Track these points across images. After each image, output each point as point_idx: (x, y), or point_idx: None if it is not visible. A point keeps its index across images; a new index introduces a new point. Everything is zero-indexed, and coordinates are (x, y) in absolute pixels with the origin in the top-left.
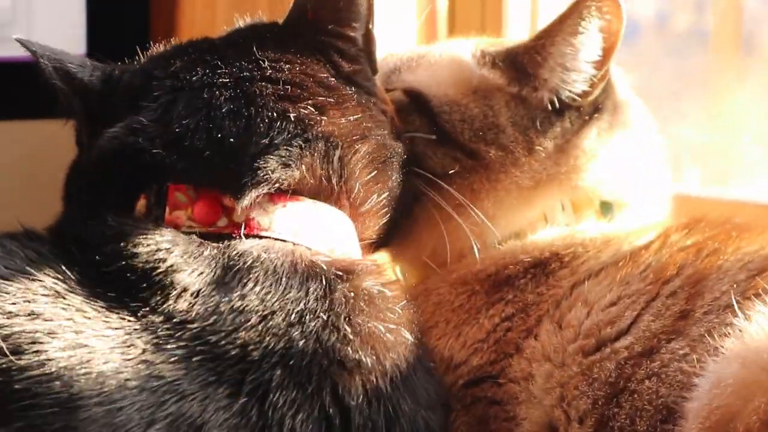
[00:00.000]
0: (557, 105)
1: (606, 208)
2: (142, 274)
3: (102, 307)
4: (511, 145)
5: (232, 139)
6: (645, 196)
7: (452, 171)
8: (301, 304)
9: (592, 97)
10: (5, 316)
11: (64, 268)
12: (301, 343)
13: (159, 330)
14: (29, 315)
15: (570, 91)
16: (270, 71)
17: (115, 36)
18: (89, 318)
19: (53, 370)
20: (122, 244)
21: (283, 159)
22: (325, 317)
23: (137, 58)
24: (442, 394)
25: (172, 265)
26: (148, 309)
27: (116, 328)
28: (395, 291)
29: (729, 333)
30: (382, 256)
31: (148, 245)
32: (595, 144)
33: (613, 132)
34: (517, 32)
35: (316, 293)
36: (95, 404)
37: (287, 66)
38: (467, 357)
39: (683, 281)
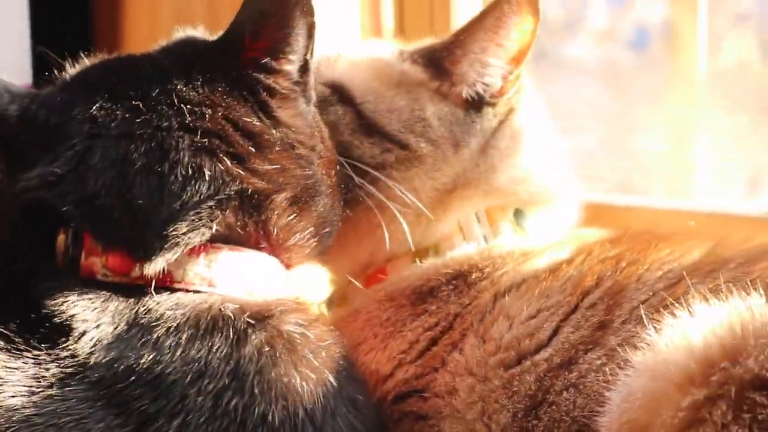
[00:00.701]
0: (475, 100)
1: (519, 215)
2: (51, 324)
3: (17, 348)
4: (440, 140)
5: (141, 201)
6: (554, 200)
7: (384, 162)
8: (201, 365)
9: (508, 95)
10: None
11: None
12: (198, 401)
13: (66, 370)
14: None
15: (487, 86)
16: (190, 119)
17: (59, 63)
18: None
19: None
20: (37, 295)
21: (195, 222)
22: (227, 380)
23: (64, 73)
24: (372, 424)
25: (75, 316)
26: (56, 353)
27: (28, 367)
28: (318, 330)
29: (640, 345)
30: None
31: (58, 298)
32: (510, 144)
33: (524, 134)
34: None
35: (219, 352)
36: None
37: (209, 111)
38: (392, 369)
39: (603, 292)
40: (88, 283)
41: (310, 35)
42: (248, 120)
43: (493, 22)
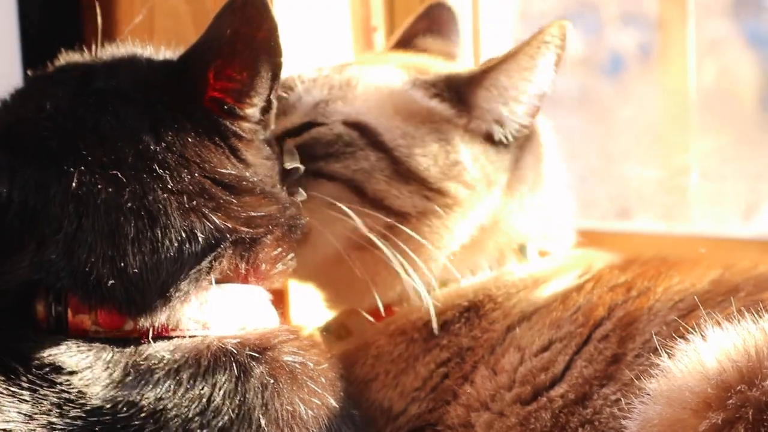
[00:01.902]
0: (504, 138)
1: (522, 247)
2: (44, 369)
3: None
4: (475, 182)
5: (136, 270)
6: (556, 229)
7: (426, 210)
8: (204, 402)
9: (530, 128)
10: None
11: None
12: None
13: (64, 410)
14: None
15: (516, 123)
16: (171, 184)
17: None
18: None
19: None
20: (27, 352)
21: (195, 278)
22: (233, 414)
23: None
24: None
25: (69, 362)
26: (51, 388)
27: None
28: (315, 356)
29: (655, 374)
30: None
31: (49, 350)
32: (533, 174)
33: (541, 159)
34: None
35: (224, 389)
36: None
37: (186, 171)
38: (405, 406)
39: (614, 324)
40: (79, 338)
41: (275, 76)
42: (224, 171)
43: (528, 61)
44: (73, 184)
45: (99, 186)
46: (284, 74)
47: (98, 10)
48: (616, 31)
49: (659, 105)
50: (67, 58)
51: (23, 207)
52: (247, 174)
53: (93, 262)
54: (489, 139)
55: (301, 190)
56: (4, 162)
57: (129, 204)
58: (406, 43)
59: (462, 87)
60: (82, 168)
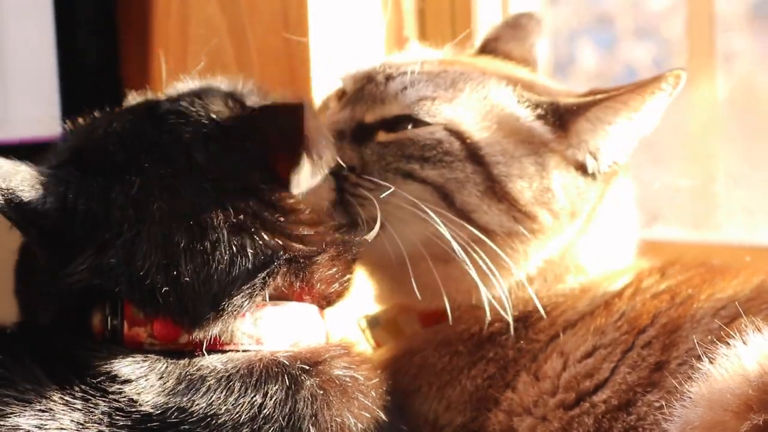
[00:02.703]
0: (596, 171)
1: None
2: (101, 377)
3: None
4: (560, 211)
5: (188, 279)
6: (621, 258)
7: (511, 231)
8: (255, 408)
9: (621, 164)
10: None
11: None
12: None
13: (114, 419)
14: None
15: (611, 159)
16: (219, 198)
17: (90, 111)
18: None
19: None
20: (85, 361)
21: (249, 293)
22: (283, 421)
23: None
24: None
25: (124, 372)
26: (104, 395)
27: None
28: (366, 371)
29: (695, 377)
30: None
31: (106, 360)
32: (613, 209)
33: (623, 195)
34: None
35: (275, 397)
36: None
37: (232, 188)
38: (452, 419)
39: (658, 331)
40: (134, 351)
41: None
42: (266, 188)
43: (638, 103)
44: (134, 191)
45: (156, 193)
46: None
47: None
48: (630, 46)
49: (687, 114)
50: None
51: (87, 214)
52: (291, 195)
53: (148, 268)
54: (580, 170)
55: (386, 183)
56: (72, 172)
57: (181, 214)
58: (489, 46)
59: (566, 113)
60: (143, 177)
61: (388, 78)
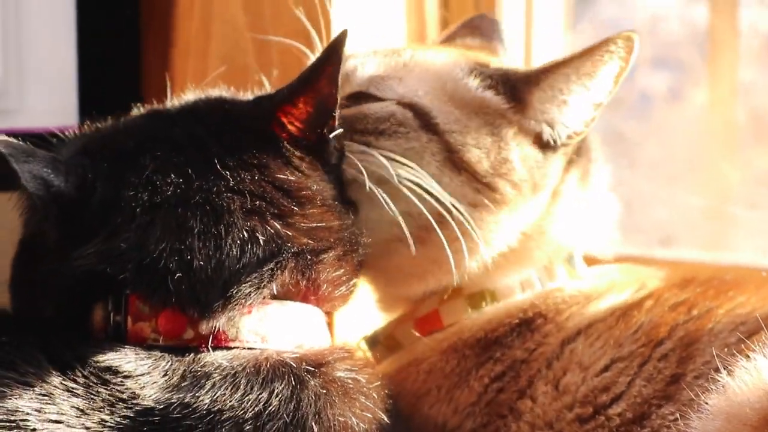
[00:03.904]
0: (554, 141)
1: (571, 259)
2: (103, 372)
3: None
4: (521, 183)
5: (202, 263)
6: (599, 241)
7: (475, 202)
8: (260, 405)
9: (581, 137)
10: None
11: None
12: None
13: (115, 408)
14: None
15: (567, 128)
16: (233, 182)
17: (107, 103)
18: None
19: None
20: (85, 356)
21: (256, 284)
22: (288, 418)
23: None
24: None
25: (126, 367)
26: (105, 391)
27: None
28: (368, 374)
29: (713, 390)
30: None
31: (107, 355)
32: (580, 187)
33: (590, 173)
34: (511, 20)
35: (280, 395)
36: None
37: (248, 174)
38: (461, 422)
39: (675, 344)
40: (137, 347)
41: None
42: (283, 176)
43: (590, 68)
44: (146, 174)
45: (170, 178)
46: None
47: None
48: (646, 73)
49: (706, 137)
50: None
51: (104, 196)
52: (308, 183)
53: (161, 252)
54: (538, 142)
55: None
56: (87, 159)
57: (196, 198)
58: (445, 42)
59: (519, 83)
60: (156, 162)
61: (346, 62)
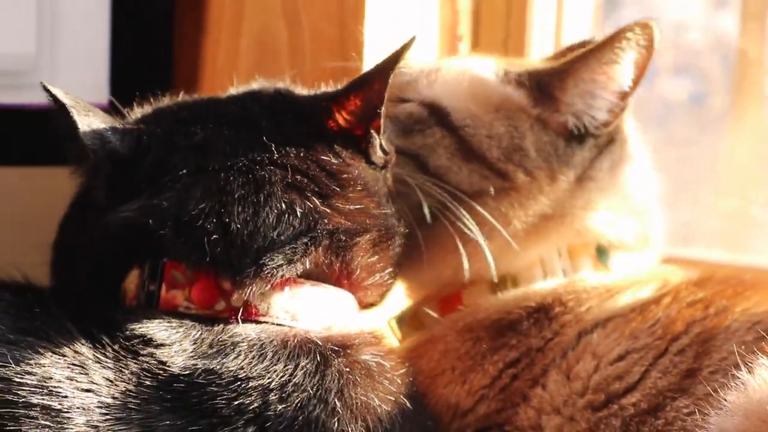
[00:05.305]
0: (579, 131)
1: (602, 254)
2: (133, 339)
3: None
4: (536, 171)
5: (239, 226)
6: (641, 238)
7: (482, 190)
8: (286, 376)
9: (611, 127)
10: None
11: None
12: (279, 408)
13: (141, 380)
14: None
15: (594, 119)
16: (277, 155)
17: (138, 82)
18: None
19: None
20: (118, 321)
21: (289, 256)
22: (312, 390)
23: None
24: None
25: (157, 334)
26: (134, 363)
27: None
28: (393, 361)
29: (732, 386)
30: (382, 318)
31: (139, 322)
32: (608, 178)
33: (622, 166)
34: (540, 28)
35: (305, 369)
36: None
37: (293, 151)
38: (473, 404)
39: (692, 339)
40: (169, 314)
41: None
42: (326, 158)
43: (610, 56)
44: (196, 139)
45: (217, 146)
46: None
47: None
48: (668, 81)
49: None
50: None
51: (156, 157)
52: (349, 169)
53: (199, 213)
54: (562, 132)
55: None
56: (142, 124)
57: (239, 166)
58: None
59: (544, 78)
60: (207, 132)
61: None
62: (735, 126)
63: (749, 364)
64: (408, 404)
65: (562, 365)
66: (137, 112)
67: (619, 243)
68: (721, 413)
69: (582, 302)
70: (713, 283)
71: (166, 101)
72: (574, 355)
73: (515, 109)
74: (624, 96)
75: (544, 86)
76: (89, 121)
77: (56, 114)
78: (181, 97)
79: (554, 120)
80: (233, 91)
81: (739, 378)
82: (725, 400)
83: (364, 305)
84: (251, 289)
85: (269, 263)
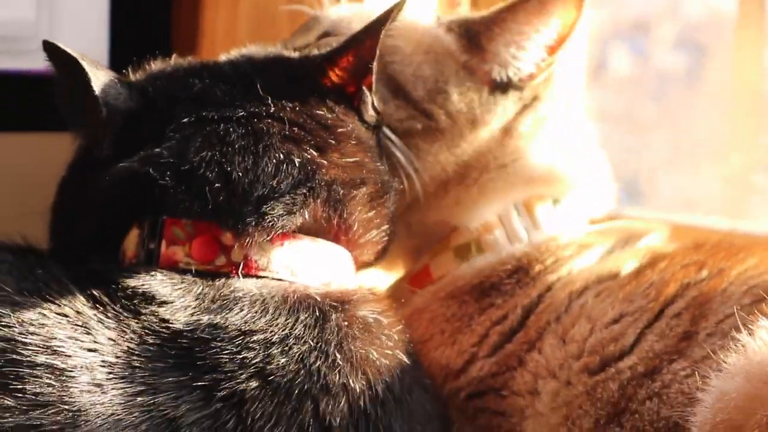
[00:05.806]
0: (503, 81)
1: (556, 205)
2: (134, 296)
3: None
4: (457, 115)
5: (240, 175)
6: (587, 188)
7: (411, 129)
8: (287, 330)
9: (536, 81)
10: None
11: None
12: (281, 361)
13: (144, 338)
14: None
15: (518, 69)
16: (273, 108)
17: (138, 50)
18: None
19: None
20: (118, 279)
21: (288, 206)
22: (312, 343)
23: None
24: (440, 408)
25: (159, 291)
26: (138, 315)
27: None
28: (391, 317)
29: (732, 348)
30: (380, 280)
31: (140, 279)
32: (532, 130)
33: (548, 122)
34: None
35: (305, 322)
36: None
37: (288, 105)
38: (464, 364)
39: (687, 302)
40: (170, 270)
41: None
42: (321, 113)
43: (537, 7)
44: (195, 91)
45: (215, 98)
46: None
47: None
48: (665, 54)
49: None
50: None
51: (161, 111)
52: (344, 123)
53: (200, 162)
54: (489, 82)
55: None
56: (148, 81)
57: (237, 118)
58: None
59: (473, 26)
60: (204, 84)
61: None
62: (734, 90)
63: (748, 326)
64: (405, 358)
65: (558, 329)
66: (136, 74)
67: (562, 188)
68: (722, 375)
69: (563, 262)
70: (708, 246)
71: (160, 64)
72: (569, 318)
73: (444, 53)
74: (551, 50)
75: (473, 35)
76: (101, 74)
77: (56, 77)
78: (174, 59)
79: (480, 68)
80: (225, 56)
81: (738, 340)
82: (725, 362)
83: (360, 264)
84: (252, 240)
85: (270, 212)
